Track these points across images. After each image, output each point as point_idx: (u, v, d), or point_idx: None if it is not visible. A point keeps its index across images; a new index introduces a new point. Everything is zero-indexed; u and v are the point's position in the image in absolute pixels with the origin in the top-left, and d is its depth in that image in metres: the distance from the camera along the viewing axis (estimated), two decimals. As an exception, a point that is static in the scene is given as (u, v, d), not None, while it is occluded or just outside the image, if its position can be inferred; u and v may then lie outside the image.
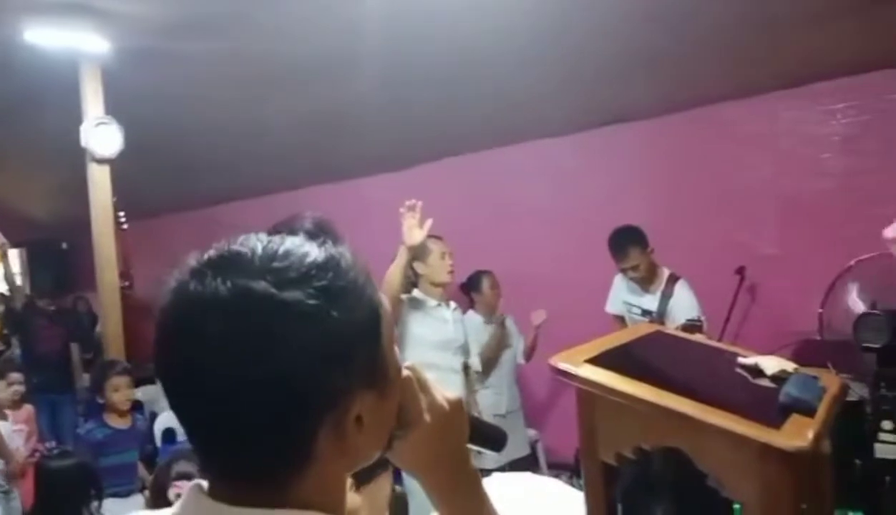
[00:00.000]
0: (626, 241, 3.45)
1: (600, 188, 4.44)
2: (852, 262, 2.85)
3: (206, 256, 0.60)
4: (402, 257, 2.95)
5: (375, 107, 3.99)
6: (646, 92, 4.00)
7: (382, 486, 2.34)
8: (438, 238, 3.25)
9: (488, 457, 4.05)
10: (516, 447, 4.16)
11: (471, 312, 4.13)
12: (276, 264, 0.58)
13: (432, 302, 3.23)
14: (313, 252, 0.61)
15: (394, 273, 2.95)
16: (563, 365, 1.31)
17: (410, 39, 3.07)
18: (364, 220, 5.18)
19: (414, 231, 2.93)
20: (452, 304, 3.33)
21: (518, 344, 4.23)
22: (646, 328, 1.78)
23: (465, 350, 3.30)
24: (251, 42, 3.02)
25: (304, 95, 3.72)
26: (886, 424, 2.12)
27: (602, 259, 3.56)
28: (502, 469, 3.92)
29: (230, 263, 0.59)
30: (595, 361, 1.33)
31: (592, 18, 3.25)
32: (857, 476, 2.34)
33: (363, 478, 2.11)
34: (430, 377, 2.72)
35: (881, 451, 2.16)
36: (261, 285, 0.56)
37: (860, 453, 2.27)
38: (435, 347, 3.14)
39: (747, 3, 3.26)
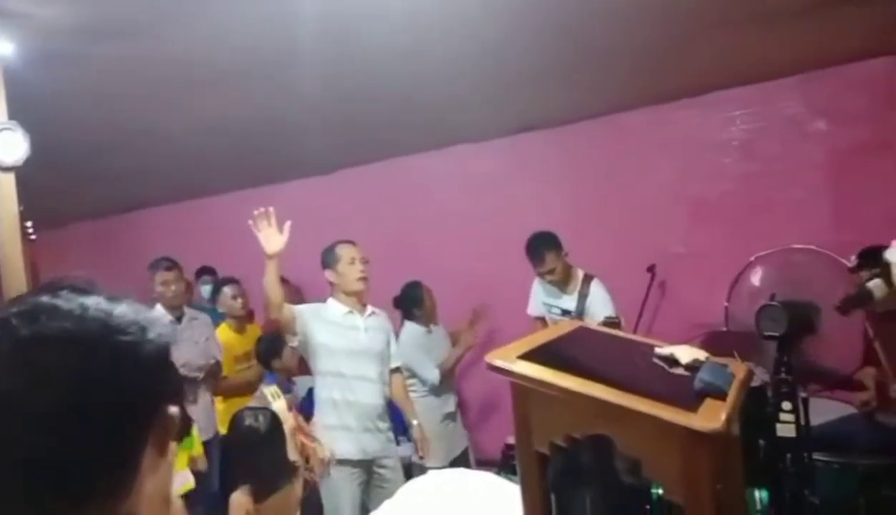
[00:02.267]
0: (541, 247, 3.58)
1: (517, 193, 4.57)
2: (753, 258, 3.08)
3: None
4: (269, 269, 2.83)
5: (294, 112, 3.94)
6: (560, 100, 4.14)
7: (290, 494, 2.35)
8: (350, 243, 3.18)
9: (436, 454, 4.17)
10: (460, 442, 4.29)
11: (409, 324, 4.13)
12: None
13: (341, 311, 3.12)
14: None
15: (266, 288, 2.84)
16: (498, 362, 1.38)
17: (332, 44, 3.07)
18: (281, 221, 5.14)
19: (272, 239, 2.81)
20: (369, 311, 3.21)
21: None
22: (571, 325, 1.87)
23: (382, 357, 3.20)
24: (164, 46, 2.93)
25: (219, 100, 3.64)
26: (786, 405, 2.29)
27: (521, 263, 3.68)
28: (450, 466, 4.04)
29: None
30: (527, 357, 1.41)
31: (508, 27, 3.35)
32: (762, 456, 2.53)
33: (266, 489, 2.12)
34: (338, 384, 2.67)
35: (782, 430, 2.33)
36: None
37: (763, 434, 2.45)
38: (344, 355, 3.06)
39: (653, 16, 3.45)
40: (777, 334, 2.31)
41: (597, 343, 1.85)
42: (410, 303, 4.18)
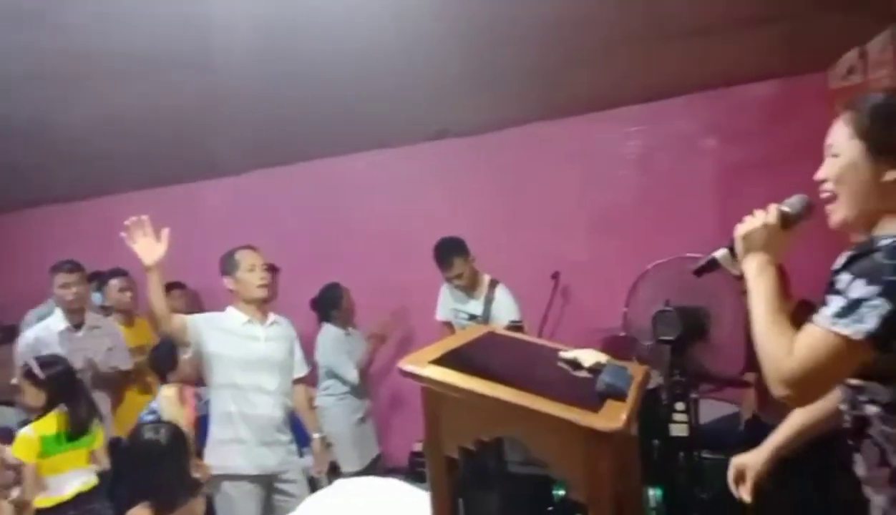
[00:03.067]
0: (449, 252, 3.63)
1: (428, 200, 4.60)
2: (649, 266, 3.24)
3: None
4: (150, 281, 2.67)
5: (206, 108, 3.80)
6: (470, 110, 4.21)
7: (192, 510, 2.26)
8: (250, 248, 3.04)
9: (351, 458, 4.09)
10: (374, 447, 4.28)
11: (328, 326, 4.14)
12: None
13: (240, 320, 2.99)
14: None
15: (150, 301, 2.70)
16: (409, 367, 1.38)
17: (250, 41, 2.98)
18: (196, 227, 4.92)
19: (150, 249, 2.64)
20: (271, 319, 3.09)
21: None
22: (480, 330, 1.90)
23: (283, 368, 3.08)
24: (63, 33, 2.73)
25: (123, 93, 3.45)
26: (679, 406, 2.43)
27: (433, 268, 3.70)
28: (365, 470, 3.97)
29: None
30: (439, 362, 1.42)
31: (424, 35, 3.37)
32: (656, 456, 2.66)
33: (166, 505, 2.04)
34: (232, 396, 2.59)
35: (675, 430, 2.47)
36: None
37: (658, 434, 2.58)
38: (240, 366, 2.93)
39: (554, 33, 3.58)
40: (671, 338, 2.45)
41: (506, 347, 1.89)
42: (328, 305, 4.18)
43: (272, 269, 4.00)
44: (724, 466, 2.77)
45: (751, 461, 1.71)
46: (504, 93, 4.02)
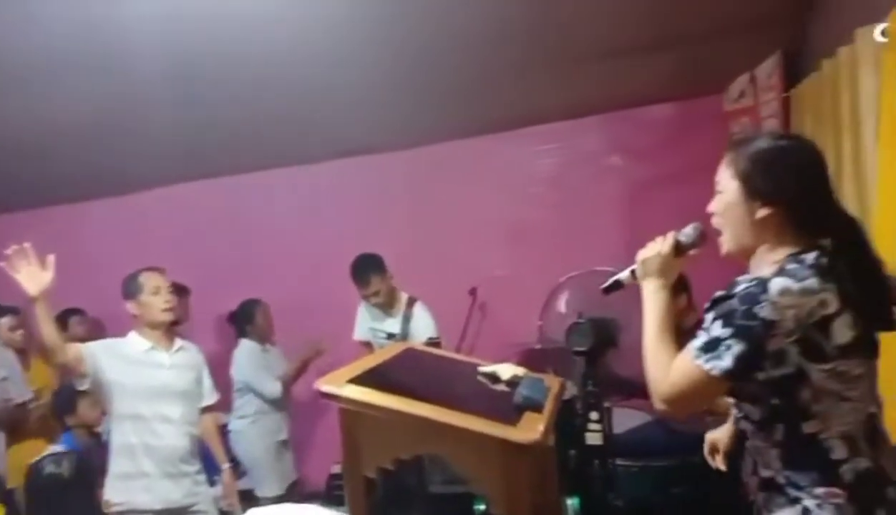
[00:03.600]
0: (366, 269, 3.59)
1: (347, 217, 4.57)
2: (563, 279, 3.34)
3: None
4: (38, 311, 2.47)
5: (109, 124, 3.61)
6: (390, 127, 4.23)
7: None
8: (156, 270, 2.91)
9: (269, 482, 3.94)
10: (292, 472, 4.18)
11: (244, 341, 4.07)
12: None
13: (142, 346, 2.83)
14: None
15: (39, 332, 2.51)
16: (327, 387, 1.35)
17: (155, 57, 2.87)
18: (90, 246, 4.66)
19: (34, 278, 2.44)
20: (177, 345, 2.95)
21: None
22: (399, 347, 1.89)
23: (189, 396, 2.94)
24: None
25: (21, 99, 3.22)
26: (594, 415, 2.49)
27: (348, 287, 3.66)
28: (282, 495, 3.86)
29: None
30: (357, 381, 1.40)
31: (343, 52, 3.37)
32: (573, 465, 2.72)
33: None
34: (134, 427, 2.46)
35: (590, 439, 2.53)
36: None
37: (574, 444, 2.64)
38: (143, 395, 2.78)
39: (476, 53, 3.66)
40: (584, 349, 2.51)
41: (425, 364, 1.89)
42: (243, 320, 4.12)
43: (181, 291, 3.85)
44: (638, 473, 2.88)
45: (720, 435, 1.82)
46: (420, 111, 4.06)
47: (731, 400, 1.35)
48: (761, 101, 3.57)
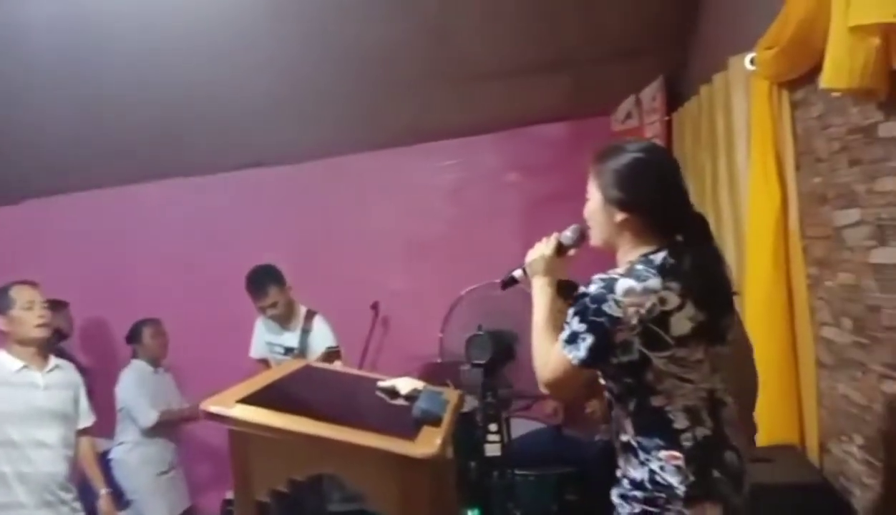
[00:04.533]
0: (263, 279, 3.48)
1: (242, 230, 4.41)
2: (462, 293, 3.38)
3: None
4: None
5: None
6: (288, 139, 4.15)
7: None
8: (28, 283, 2.73)
9: (156, 512, 3.67)
10: (184, 499, 3.98)
11: (134, 362, 3.87)
12: None
13: (13, 366, 2.64)
14: None
15: None
16: (214, 409, 1.29)
17: (41, 60, 2.67)
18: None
19: None
20: (52, 364, 2.76)
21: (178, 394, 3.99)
22: (296, 364, 1.84)
23: (66, 418, 2.76)
24: None
25: None
26: (492, 426, 2.52)
27: (244, 302, 3.53)
28: None
29: None
30: (248, 401, 1.34)
31: (239, 63, 3.28)
32: (474, 476, 2.74)
33: None
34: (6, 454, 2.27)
35: (489, 450, 2.56)
36: None
37: (474, 455, 2.66)
38: (16, 420, 2.59)
39: (373, 68, 3.67)
40: (483, 361, 2.55)
41: (322, 381, 1.85)
42: (133, 339, 3.92)
43: (58, 305, 3.60)
44: (535, 482, 2.94)
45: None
46: (319, 123, 4.01)
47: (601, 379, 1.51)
48: (646, 123, 3.78)
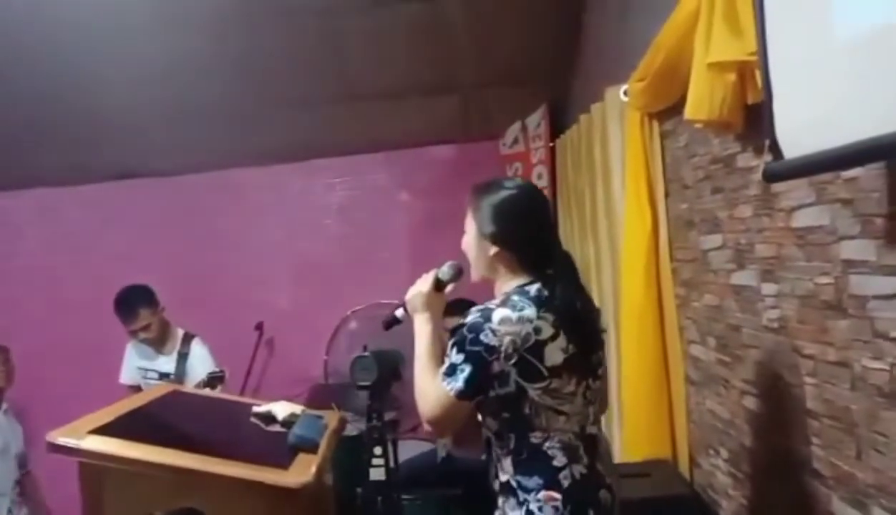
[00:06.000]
0: (134, 301, 3.25)
1: (113, 246, 4.13)
2: (348, 313, 3.31)
3: None
4: None
5: None
6: (164, 150, 3.94)
7: None
8: None
9: None
10: None
11: None
12: None
13: None
14: None
15: None
16: (63, 440, 1.16)
17: None
18: None
19: None
20: None
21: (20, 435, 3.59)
22: (162, 389, 1.71)
23: None
24: None
25: None
26: (377, 450, 2.46)
27: (113, 323, 3.29)
28: None
29: None
30: (103, 430, 1.23)
31: (115, 67, 3.10)
32: (360, 501, 2.66)
33: None
34: None
35: (374, 474, 2.49)
36: None
37: (360, 480, 2.59)
38: None
39: (256, 81, 3.57)
40: (368, 383, 2.49)
41: (191, 407, 1.73)
42: None
43: None
44: (421, 504, 2.91)
45: None
46: (198, 135, 3.85)
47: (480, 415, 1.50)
48: (532, 148, 3.91)
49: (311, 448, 1.41)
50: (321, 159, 4.26)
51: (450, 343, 1.43)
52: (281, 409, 1.67)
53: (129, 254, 4.06)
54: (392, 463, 2.60)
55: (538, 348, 1.38)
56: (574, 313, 1.45)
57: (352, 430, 2.99)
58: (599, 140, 2.76)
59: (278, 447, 1.45)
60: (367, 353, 2.54)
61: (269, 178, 4.27)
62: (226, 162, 4.14)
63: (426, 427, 1.46)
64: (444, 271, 1.65)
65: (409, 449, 3.29)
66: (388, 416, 2.67)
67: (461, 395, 1.38)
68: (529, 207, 1.55)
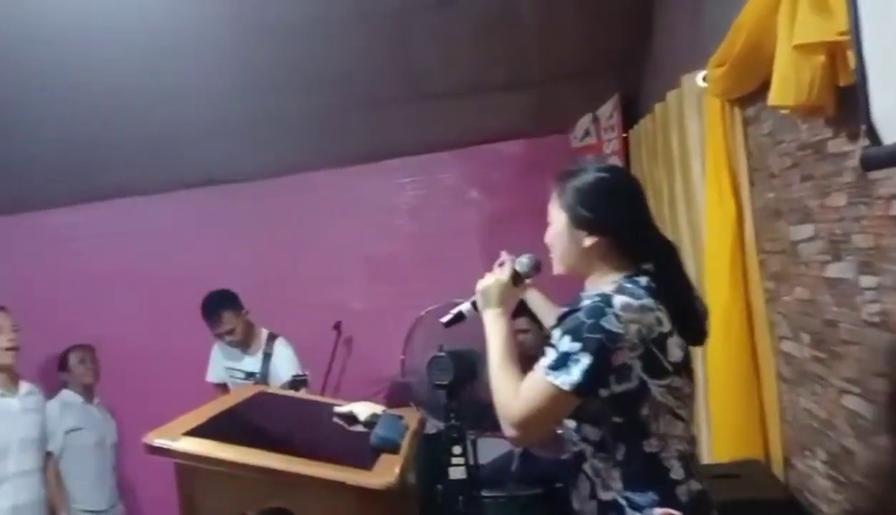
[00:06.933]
0: (218, 306, 3.39)
1: (196, 251, 4.30)
2: (423, 313, 3.34)
3: None
4: None
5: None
6: (243, 156, 4.08)
7: None
8: None
9: None
10: None
11: (65, 392, 3.65)
12: None
13: None
14: None
15: None
16: (159, 442, 1.22)
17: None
18: None
19: None
20: (24, 388, 2.75)
21: (114, 428, 3.81)
22: (249, 390, 1.77)
23: (42, 443, 2.76)
24: None
25: None
26: (456, 449, 2.47)
27: (200, 325, 3.44)
28: None
29: None
30: (196, 432, 1.28)
31: (195, 81, 3.22)
32: (440, 500, 2.68)
33: None
34: None
35: (454, 474, 2.51)
36: None
37: (440, 479, 2.61)
38: (6, 454, 2.56)
39: (330, 86, 3.64)
40: (445, 382, 2.50)
41: (277, 408, 1.78)
42: (60, 366, 3.74)
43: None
44: (504, 503, 2.90)
45: None
46: (276, 140, 3.96)
47: (569, 424, 1.35)
48: (604, 140, 3.82)
49: (393, 449, 1.42)
50: (388, 160, 4.31)
51: (557, 331, 1.26)
52: (362, 409, 1.70)
53: (214, 257, 4.22)
54: (472, 462, 2.61)
55: (662, 341, 1.24)
56: (690, 310, 1.32)
57: (430, 428, 3.02)
58: (676, 129, 2.67)
59: (361, 447, 1.48)
60: (443, 353, 2.56)
61: (342, 180, 4.35)
62: (301, 166, 4.24)
63: (510, 432, 1.28)
64: (524, 262, 1.52)
65: (489, 449, 3.29)
66: (466, 415, 2.68)
67: (578, 389, 1.20)
68: (626, 189, 1.39)
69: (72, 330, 3.92)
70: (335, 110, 3.85)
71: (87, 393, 3.73)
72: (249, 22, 3.24)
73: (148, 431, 1.31)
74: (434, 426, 3.12)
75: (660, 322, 1.25)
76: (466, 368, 2.62)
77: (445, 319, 1.62)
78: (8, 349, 2.64)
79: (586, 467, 1.31)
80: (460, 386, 2.58)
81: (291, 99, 3.65)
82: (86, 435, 3.56)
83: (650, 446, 1.24)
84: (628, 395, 1.23)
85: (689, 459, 1.26)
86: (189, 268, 4.15)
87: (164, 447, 1.23)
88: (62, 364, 3.75)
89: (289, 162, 4.20)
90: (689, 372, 1.30)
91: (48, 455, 2.83)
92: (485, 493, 2.71)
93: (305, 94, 3.68)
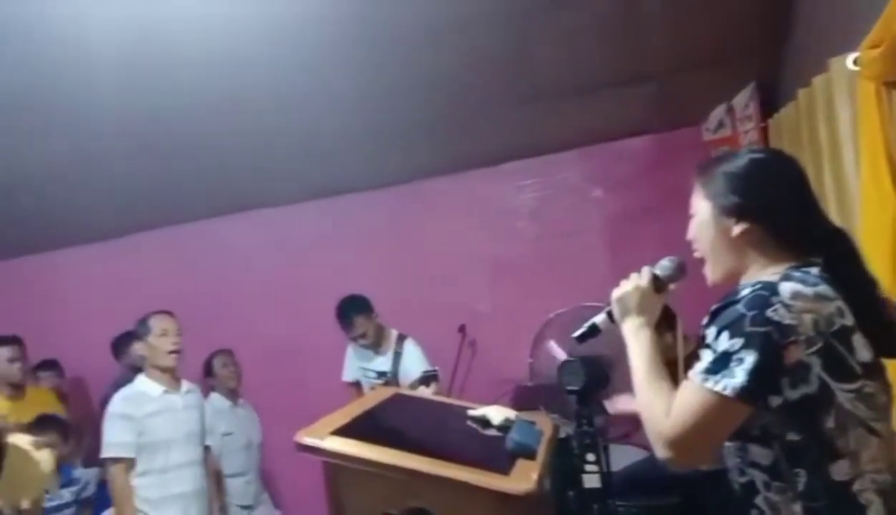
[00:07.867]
0: (350, 311, 3.55)
1: (328, 258, 4.50)
2: (551, 315, 3.30)
3: None
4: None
5: (72, 168, 3.56)
6: (370, 165, 4.22)
7: None
8: (165, 313, 2.96)
9: None
10: None
11: (214, 395, 3.90)
12: None
13: (156, 390, 2.86)
14: None
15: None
16: (308, 440, 1.29)
17: (131, 91, 2.84)
18: (60, 298, 4.54)
19: None
20: (185, 387, 2.98)
21: (258, 428, 4.05)
22: (386, 392, 1.84)
23: (202, 438, 2.99)
24: None
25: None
26: (590, 456, 2.41)
27: (335, 328, 3.60)
28: None
29: None
30: (341, 432, 1.34)
31: (320, 94, 3.37)
32: (572, 507, 2.63)
33: None
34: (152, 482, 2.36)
35: (587, 481, 2.44)
36: None
37: (572, 485, 2.56)
38: (163, 444, 2.78)
39: (447, 92, 3.69)
40: (577, 388, 2.45)
41: (412, 410, 1.83)
42: (206, 372, 3.99)
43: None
44: (639, 513, 2.81)
45: None
46: (400, 148, 4.06)
47: (730, 445, 1.13)
48: (740, 131, 3.60)
49: (530, 454, 1.42)
50: (509, 163, 4.31)
51: (711, 329, 1.06)
52: (496, 414, 1.70)
53: (347, 263, 4.41)
54: (606, 469, 2.54)
55: (846, 335, 1.01)
56: (875, 311, 1.07)
57: (560, 433, 2.98)
58: (824, 116, 2.47)
59: (496, 451, 1.48)
60: (573, 358, 2.51)
61: (461, 185, 4.40)
62: (421, 173, 4.34)
63: (664, 454, 1.08)
64: (665, 265, 1.33)
65: (623, 456, 3.19)
66: (599, 421, 2.62)
67: (743, 393, 0.99)
68: (783, 169, 1.19)
69: (222, 333, 4.20)
70: (453, 117, 3.89)
71: (233, 395, 3.97)
72: (362, 39, 3.31)
73: (290, 428, 1.38)
74: (563, 431, 3.07)
75: (841, 313, 1.03)
76: (598, 374, 2.55)
77: (577, 334, 1.49)
78: (171, 352, 2.85)
79: (759, 501, 1.07)
80: (592, 392, 2.53)
81: (417, 106, 3.73)
82: (236, 439, 3.80)
83: (839, 472, 1.00)
84: (807, 402, 1.00)
85: (890, 494, 1.01)
86: (322, 274, 4.35)
87: (313, 445, 1.30)
88: (207, 369, 3.99)
89: (409, 170, 4.30)
90: (883, 376, 1.06)
91: (206, 449, 3.06)
92: (620, 502, 2.63)
93: (422, 103, 3.74)
